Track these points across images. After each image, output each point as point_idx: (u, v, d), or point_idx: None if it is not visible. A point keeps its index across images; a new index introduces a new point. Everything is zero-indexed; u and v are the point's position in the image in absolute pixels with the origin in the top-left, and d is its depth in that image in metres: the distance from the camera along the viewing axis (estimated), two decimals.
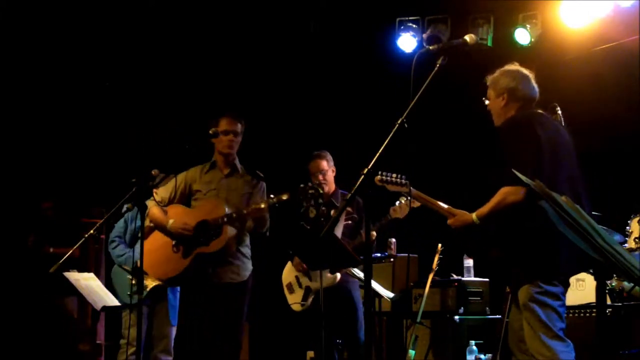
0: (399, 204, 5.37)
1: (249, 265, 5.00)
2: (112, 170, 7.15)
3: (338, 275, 5.42)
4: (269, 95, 8.02)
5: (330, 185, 5.73)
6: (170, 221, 4.84)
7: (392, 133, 3.42)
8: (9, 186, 7.47)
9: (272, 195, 4.77)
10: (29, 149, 7.59)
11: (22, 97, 7.51)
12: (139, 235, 5.63)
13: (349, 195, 3.35)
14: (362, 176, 3.45)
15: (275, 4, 7.56)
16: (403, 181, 4.15)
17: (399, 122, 3.43)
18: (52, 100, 7.61)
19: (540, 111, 4.04)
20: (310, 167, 5.76)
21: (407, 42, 7.56)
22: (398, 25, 7.60)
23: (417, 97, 3.46)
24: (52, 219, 7.18)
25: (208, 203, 4.91)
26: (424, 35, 7.43)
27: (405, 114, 3.44)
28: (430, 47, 3.71)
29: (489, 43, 7.17)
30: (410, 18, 7.54)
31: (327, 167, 5.74)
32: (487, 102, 4.11)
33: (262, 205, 4.75)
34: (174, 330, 5.61)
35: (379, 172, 4.13)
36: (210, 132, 4.97)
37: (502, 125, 4.00)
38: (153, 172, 4.86)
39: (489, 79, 4.11)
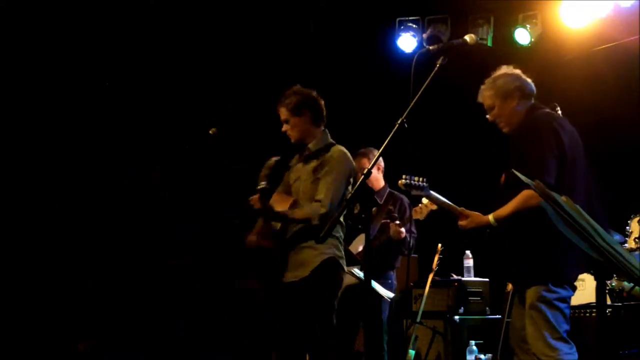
0: (420, 205, 5.41)
1: (316, 260, 4.47)
2: (113, 169, 7.16)
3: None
4: (269, 95, 8.01)
5: (374, 183, 5.74)
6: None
7: (392, 133, 3.42)
8: (11, 187, 7.48)
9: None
10: (30, 149, 7.59)
11: (22, 98, 7.51)
12: None
13: (349, 195, 3.36)
14: (363, 176, 3.47)
15: (275, 4, 7.57)
16: (424, 184, 4.12)
17: (399, 122, 3.44)
18: (52, 101, 7.61)
19: (557, 113, 4.05)
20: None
21: (407, 42, 7.56)
22: (398, 25, 7.60)
23: (417, 97, 3.46)
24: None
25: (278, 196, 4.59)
26: (424, 35, 7.43)
27: (405, 114, 3.44)
28: (430, 47, 3.71)
29: (489, 43, 7.17)
30: (410, 18, 7.54)
31: (370, 165, 5.72)
32: (492, 112, 4.04)
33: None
34: None
35: (403, 176, 4.09)
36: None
37: (523, 126, 3.94)
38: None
39: (485, 91, 4.06)
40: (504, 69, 4.11)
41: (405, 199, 5.76)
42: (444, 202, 4.11)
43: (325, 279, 4.39)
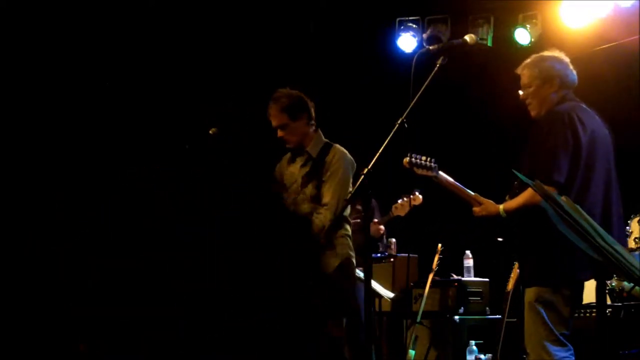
0: (401, 201, 5.38)
1: (334, 262, 4.46)
2: (113, 169, 7.15)
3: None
4: (269, 95, 8.00)
5: None
6: None
7: (392, 133, 3.42)
8: (10, 187, 7.48)
9: None
10: (30, 149, 7.58)
11: (22, 97, 7.51)
12: None
13: (350, 195, 3.35)
14: (362, 176, 3.47)
15: (275, 4, 7.56)
16: (432, 164, 3.98)
17: (399, 122, 3.44)
18: (52, 100, 7.61)
19: (582, 104, 3.93)
20: None
21: (407, 42, 7.56)
22: (398, 25, 7.61)
23: (417, 97, 3.47)
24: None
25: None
26: (424, 35, 7.44)
27: (405, 114, 3.45)
28: (430, 47, 3.71)
29: (489, 43, 7.18)
30: (410, 18, 7.55)
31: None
32: (526, 90, 3.92)
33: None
34: None
35: (408, 154, 3.94)
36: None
37: (543, 118, 3.86)
38: None
39: (528, 68, 3.94)
40: (556, 52, 4.01)
41: (373, 200, 5.73)
42: (456, 186, 4.00)
43: (343, 279, 4.44)
